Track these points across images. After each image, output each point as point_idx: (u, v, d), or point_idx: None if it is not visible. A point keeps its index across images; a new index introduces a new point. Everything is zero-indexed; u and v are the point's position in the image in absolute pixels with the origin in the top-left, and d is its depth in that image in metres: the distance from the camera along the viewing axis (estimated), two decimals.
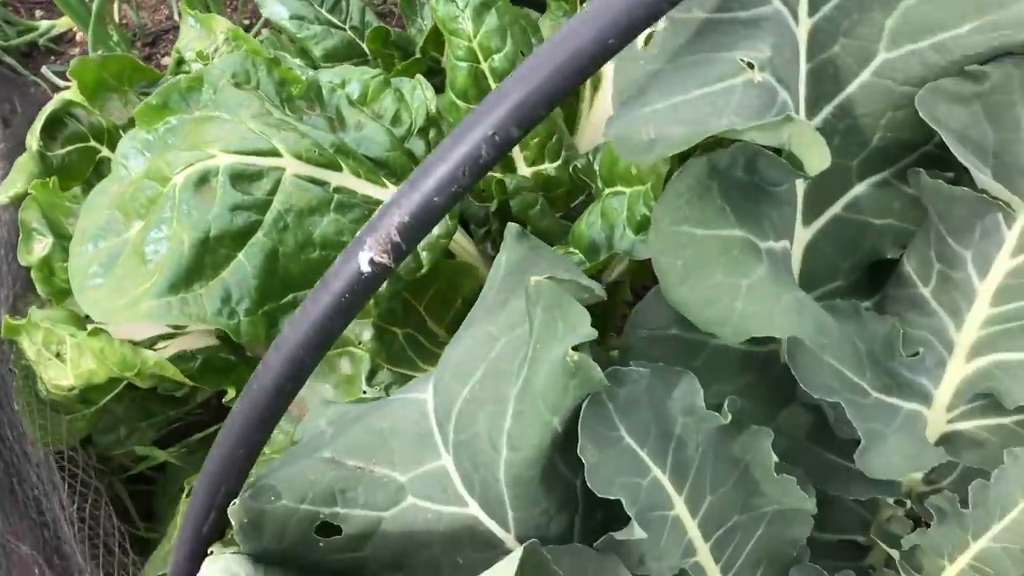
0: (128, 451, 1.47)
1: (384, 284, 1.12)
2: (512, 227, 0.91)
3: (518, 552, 0.66)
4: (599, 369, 0.72)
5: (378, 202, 1.18)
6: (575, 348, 0.72)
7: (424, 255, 1.10)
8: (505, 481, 0.79)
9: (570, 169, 1.27)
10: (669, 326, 0.87)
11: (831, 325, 0.78)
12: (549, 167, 1.28)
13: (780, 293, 0.76)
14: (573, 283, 0.79)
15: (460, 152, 0.71)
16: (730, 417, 0.78)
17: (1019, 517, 0.88)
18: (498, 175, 1.26)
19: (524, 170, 1.29)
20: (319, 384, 1.17)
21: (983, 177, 0.80)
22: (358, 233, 0.76)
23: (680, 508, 0.81)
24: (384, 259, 0.75)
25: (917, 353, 0.88)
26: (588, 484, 0.74)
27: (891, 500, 0.96)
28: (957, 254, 0.87)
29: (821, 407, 0.94)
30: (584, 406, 0.74)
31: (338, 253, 1.19)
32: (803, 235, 0.91)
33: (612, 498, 0.74)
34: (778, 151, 0.77)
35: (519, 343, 0.81)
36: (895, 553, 0.92)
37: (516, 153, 1.29)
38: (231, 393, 1.32)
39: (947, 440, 0.95)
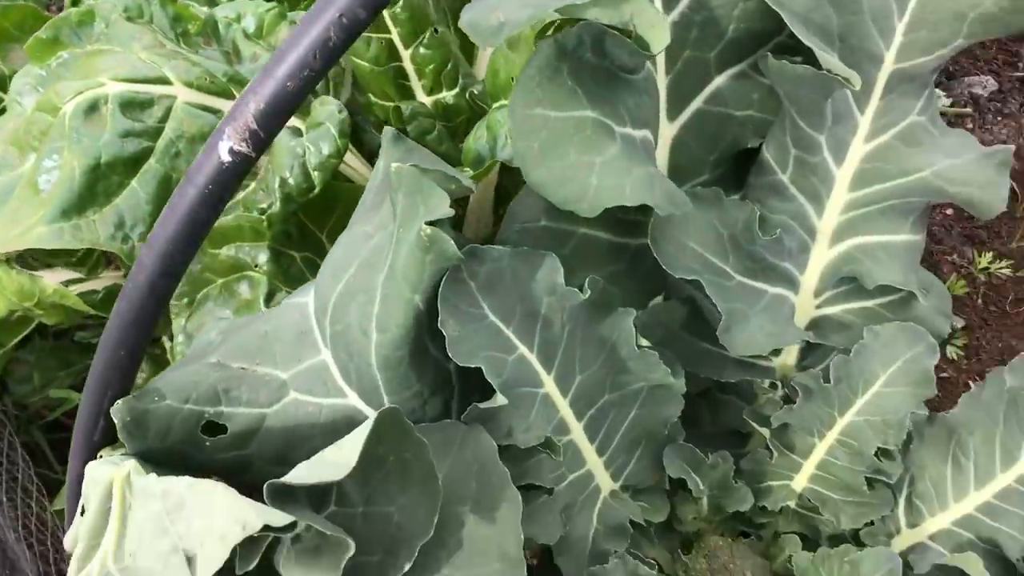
0: (46, 399, 1.47)
1: (278, 204, 1.14)
2: (388, 130, 0.93)
3: (373, 416, 0.68)
4: (453, 243, 0.74)
5: None
6: (431, 224, 0.74)
7: (316, 175, 1.11)
8: (377, 365, 0.81)
9: (467, 96, 1.29)
10: (538, 218, 0.90)
11: (684, 199, 0.81)
12: (447, 95, 1.30)
13: (632, 168, 0.79)
14: (438, 173, 0.82)
15: (310, 37, 0.73)
16: (589, 293, 0.81)
17: (880, 391, 0.92)
18: (395, 103, 1.28)
19: (423, 99, 1.31)
20: (220, 309, 1.18)
21: (828, 58, 0.83)
22: (218, 125, 0.77)
23: (550, 386, 0.84)
24: (243, 148, 0.76)
25: (776, 234, 0.91)
26: (450, 355, 0.76)
27: (766, 384, 1.00)
28: (812, 138, 0.91)
29: (696, 300, 0.98)
30: (443, 281, 0.76)
31: None
32: (669, 131, 0.94)
33: (473, 366, 0.77)
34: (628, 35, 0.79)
35: (391, 238, 0.83)
36: (766, 432, 0.96)
37: (414, 82, 1.31)
38: None
39: (816, 325, 0.99)
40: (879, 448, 0.91)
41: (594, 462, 0.91)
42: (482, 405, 0.78)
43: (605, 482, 0.93)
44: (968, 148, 0.93)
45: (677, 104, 0.93)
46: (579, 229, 0.90)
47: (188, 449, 0.87)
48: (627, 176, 0.79)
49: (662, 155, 0.94)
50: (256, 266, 1.16)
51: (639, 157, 0.82)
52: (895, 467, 0.92)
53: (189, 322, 1.18)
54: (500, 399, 0.77)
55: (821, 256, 0.96)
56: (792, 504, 0.98)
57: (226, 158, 0.77)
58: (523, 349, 0.82)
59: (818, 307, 0.98)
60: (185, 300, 1.18)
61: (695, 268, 0.88)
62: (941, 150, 0.93)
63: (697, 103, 0.93)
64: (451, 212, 0.75)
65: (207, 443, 0.88)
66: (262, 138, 0.77)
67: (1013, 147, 0.95)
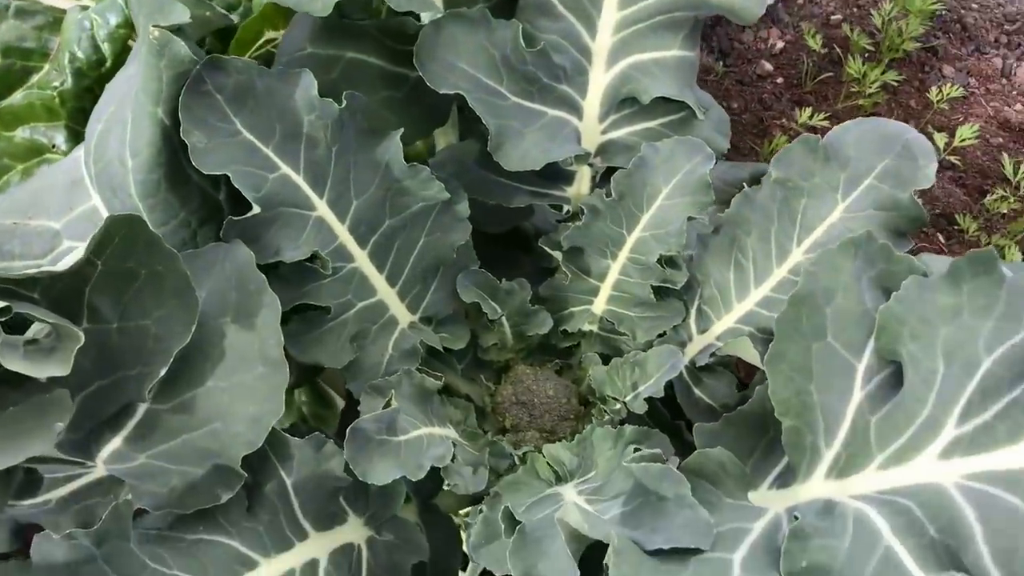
0: None
1: (70, 80, 1.11)
2: None
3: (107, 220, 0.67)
4: (184, 45, 0.73)
5: (63, 11, 1.16)
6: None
7: (105, 47, 1.09)
8: (138, 194, 0.80)
9: None
10: (303, 47, 0.89)
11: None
12: None
13: None
14: None
15: None
16: (345, 103, 0.81)
17: (663, 204, 0.94)
18: None
19: None
20: None
21: None
22: None
23: (323, 210, 0.84)
24: None
25: (541, 46, 0.92)
26: (194, 164, 0.76)
27: (564, 212, 1.02)
28: None
29: None
30: (183, 90, 0.75)
31: (23, 60, 1.16)
32: None
33: (219, 173, 0.76)
34: None
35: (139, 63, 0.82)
36: (559, 255, 0.98)
37: None
38: None
39: (604, 150, 1.01)
40: (663, 256, 0.93)
41: (385, 291, 0.91)
42: (237, 217, 0.78)
43: (402, 314, 0.93)
44: None
45: None
46: (346, 54, 0.90)
47: None
48: None
49: None
50: (54, 147, 1.13)
51: None
52: (680, 275, 0.94)
53: None
54: (256, 208, 0.77)
55: (599, 79, 0.97)
56: (595, 328, 1.01)
57: None
58: (286, 169, 0.81)
59: (604, 132, 1.00)
60: None
61: (463, 86, 0.89)
62: None
63: None
64: (187, 19, 0.74)
65: None
66: None
67: None
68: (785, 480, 0.76)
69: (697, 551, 0.64)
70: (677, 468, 0.72)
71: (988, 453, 0.63)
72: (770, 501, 0.75)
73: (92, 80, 1.11)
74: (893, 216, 0.88)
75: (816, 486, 0.72)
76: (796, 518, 0.65)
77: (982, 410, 0.65)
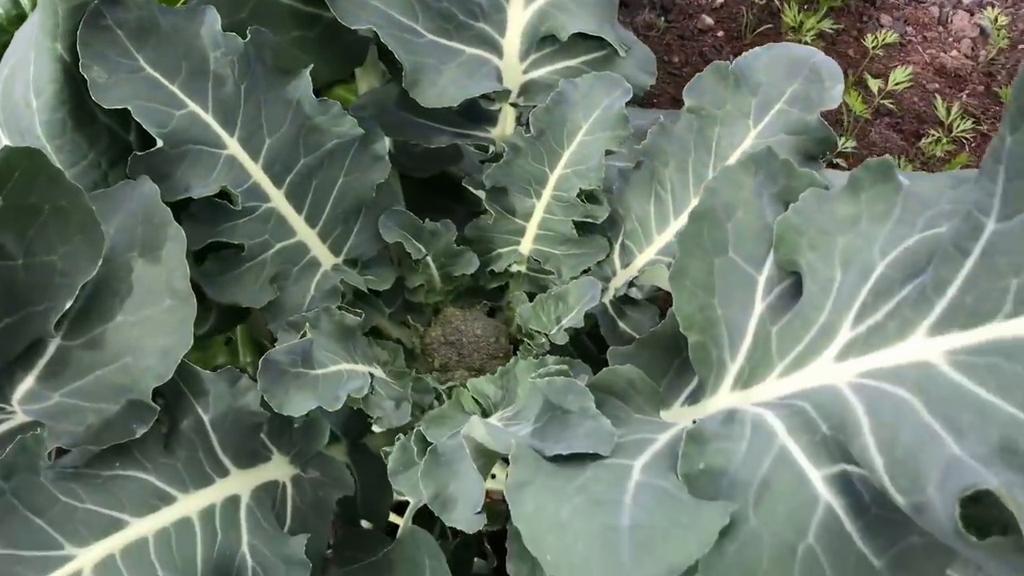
0: None
1: None
2: None
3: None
4: None
5: None
6: None
7: (24, 1, 1.08)
8: (44, 134, 0.79)
9: None
10: None
11: None
12: None
13: None
14: None
15: None
16: (250, 37, 0.81)
17: (583, 139, 0.94)
18: None
19: None
20: None
21: None
22: None
23: (235, 148, 0.84)
24: None
25: None
26: (95, 98, 0.75)
27: (489, 153, 1.02)
28: None
29: None
30: (81, 25, 0.75)
31: None
32: None
33: (120, 107, 0.76)
34: None
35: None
36: (482, 194, 0.98)
37: None
38: None
39: (527, 90, 1.01)
40: (583, 191, 0.94)
41: (306, 232, 0.91)
42: (142, 152, 0.77)
43: (325, 256, 0.94)
44: None
45: None
46: None
47: None
48: None
49: None
50: None
51: None
52: (601, 210, 0.95)
53: None
54: (160, 143, 0.77)
55: (518, 16, 0.98)
56: (523, 268, 1.01)
57: None
58: (194, 107, 0.81)
59: (525, 71, 1.00)
60: None
61: (376, 22, 0.89)
62: None
63: None
64: None
65: None
66: None
67: None
68: (695, 397, 0.76)
69: (597, 456, 0.64)
70: (586, 385, 0.72)
71: (879, 351, 0.64)
72: (680, 417, 0.76)
73: (11, 36, 1.09)
74: (803, 139, 0.89)
75: (723, 399, 0.73)
76: (694, 423, 0.66)
77: (874, 311, 0.66)
